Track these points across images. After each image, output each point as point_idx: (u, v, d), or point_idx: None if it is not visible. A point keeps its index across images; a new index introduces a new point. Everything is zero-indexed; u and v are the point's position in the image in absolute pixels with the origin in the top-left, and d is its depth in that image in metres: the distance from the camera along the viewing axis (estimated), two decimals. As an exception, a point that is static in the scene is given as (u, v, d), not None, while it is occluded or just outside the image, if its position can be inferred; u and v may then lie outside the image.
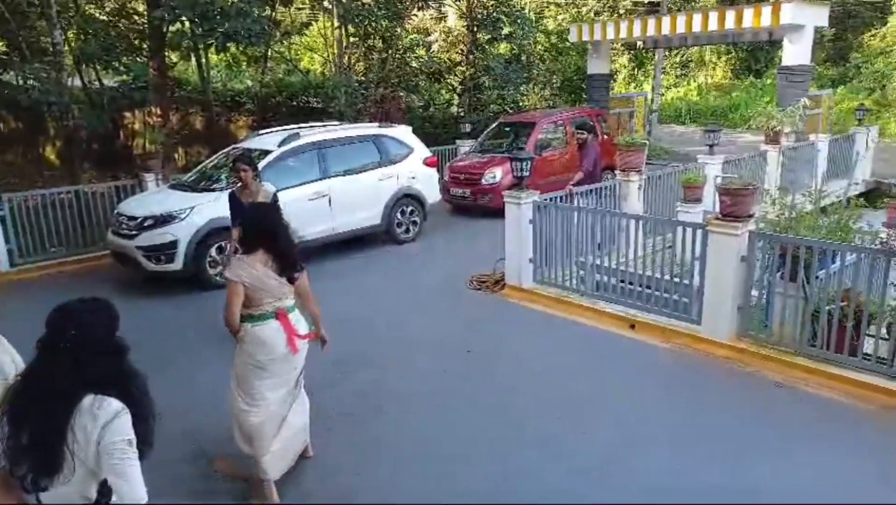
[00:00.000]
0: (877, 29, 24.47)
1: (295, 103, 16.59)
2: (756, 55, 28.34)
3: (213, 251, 7.88)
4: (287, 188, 8.28)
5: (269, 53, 16.68)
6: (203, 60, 13.34)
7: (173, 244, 7.66)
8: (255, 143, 9.20)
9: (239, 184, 5.90)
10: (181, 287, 7.81)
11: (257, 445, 3.76)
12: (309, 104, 16.34)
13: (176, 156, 14.65)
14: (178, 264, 7.71)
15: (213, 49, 12.80)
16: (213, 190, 8.29)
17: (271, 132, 9.52)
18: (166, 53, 13.44)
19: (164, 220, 7.77)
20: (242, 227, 3.92)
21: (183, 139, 15.59)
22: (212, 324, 6.95)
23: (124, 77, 13.45)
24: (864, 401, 4.76)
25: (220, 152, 9.65)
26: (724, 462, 4.10)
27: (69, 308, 2.09)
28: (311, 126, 9.68)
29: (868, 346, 5.14)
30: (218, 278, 7.88)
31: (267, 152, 8.53)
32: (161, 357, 5.92)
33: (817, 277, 5.36)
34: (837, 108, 18.89)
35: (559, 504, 3.64)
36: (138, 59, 13.70)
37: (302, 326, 3.85)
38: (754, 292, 5.78)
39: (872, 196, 12.48)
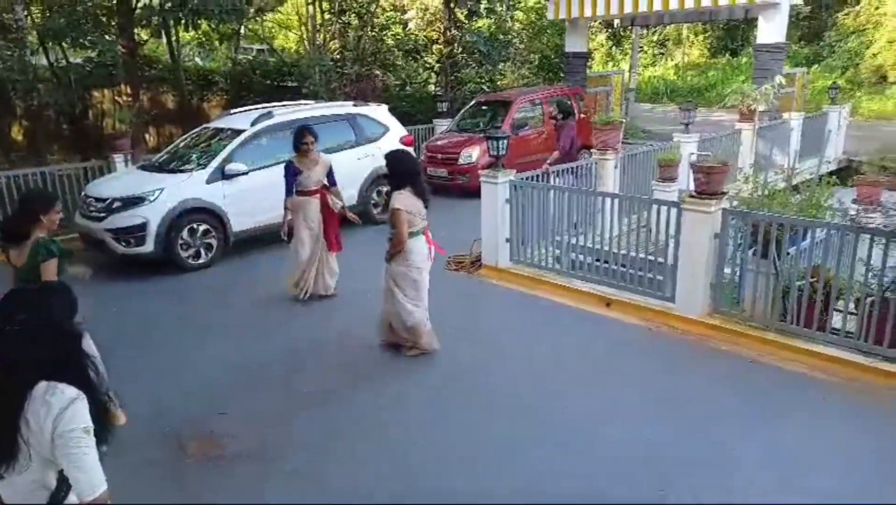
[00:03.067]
0: (850, 7, 24.64)
1: (269, 82, 16.31)
2: (732, 34, 28.43)
3: (185, 233, 7.74)
4: (260, 168, 8.20)
5: (242, 31, 16.35)
6: (174, 38, 13.03)
7: (143, 226, 7.50)
8: (227, 122, 9.04)
9: (296, 154, 6.42)
10: (154, 270, 7.67)
11: (420, 331, 5.18)
12: (283, 83, 16.08)
13: (147, 136, 14.34)
14: (148, 247, 7.57)
15: (183, 26, 12.49)
16: (185, 171, 8.14)
17: (244, 111, 9.34)
18: (135, 30, 13.10)
19: (133, 201, 7.61)
20: (393, 169, 5.13)
21: (154, 119, 15.27)
22: (185, 307, 6.90)
23: (90, 54, 13.07)
24: (832, 374, 4.85)
25: (191, 132, 9.47)
26: (698, 433, 4.17)
27: (18, 292, 2.01)
28: (285, 105, 9.51)
29: (837, 321, 5.22)
30: (190, 261, 7.78)
31: (239, 132, 8.39)
32: (133, 341, 5.84)
33: (788, 254, 5.41)
34: (812, 86, 19.06)
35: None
36: (106, 36, 13.34)
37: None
38: (727, 270, 5.84)
39: (844, 173, 12.63)
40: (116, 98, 13.81)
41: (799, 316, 5.25)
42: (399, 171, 5.07)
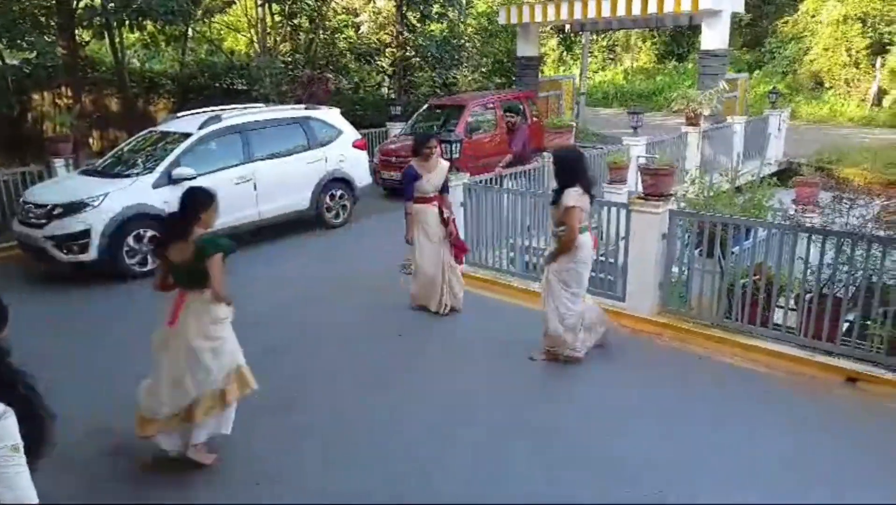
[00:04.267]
0: (789, 15, 25.65)
1: (218, 85, 15.99)
2: (678, 40, 29.29)
3: (130, 240, 7.51)
4: (209, 172, 8.03)
5: (190, 33, 15.99)
6: (117, 39, 12.64)
7: (86, 233, 7.24)
8: (174, 125, 8.83)
9: (417, 159, 6.15)
10: (98, 279, 7.41)
11: (571, 335, 5.04)
12: (233, 86, 15.79)
13: (90, 140, 13.86)
14: (92, 254, 7.31)
15: (127, 27, 12.14)
16: (130, 175, 7.90)
17: (191, 114, 9.14)
18: (77, 31, 12.66)
19: (75, 207, 7.33)
20: (562, 167, 4.92)
21: (97, 122, 14.76)
22: (130, 315, 6.69)
23: (26, 55, 12.57)
24: (775, 368, 5.02)
25: (136, 135, 9.21)
26: (649, 429, 4.26)
27: None
28: (234, 108, 9.35)
29: (778, 316, 5.41)
30: (136, 268, 7.55)
31: (187, 135, 8.19)
32: (73, 352, 5.64)
33: (733, 253, 5.58)
34: (753, 91, 19.77)
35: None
36: (45, 36, 12.85)
37: None
38: (675, 269, 5.99)
39: (784, 175, 13.14)
40: (57, 100, 13.32)
41: (743, 313, 5.43)
42: (568, 169, 4.91)
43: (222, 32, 19.96)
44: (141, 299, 7.12)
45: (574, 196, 4.76)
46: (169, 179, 7.79)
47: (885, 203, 5.44)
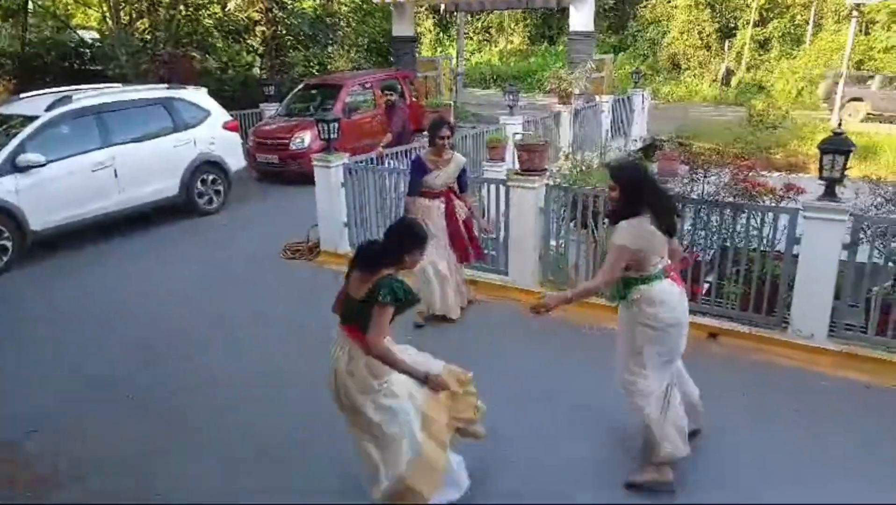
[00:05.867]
0: (648, 1, 27.28)
1: (68, 65, 14.59)
2: (549, 22, 30.30)
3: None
4: (60, 159, 7.35)
5: (31, 7, 14.44)
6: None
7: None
8: (17, 108, 8.00)
9: (429, 150, 5.39)
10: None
11: (659, 432, 3.41)
12: (85, 66, 14.47)
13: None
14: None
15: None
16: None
17: (37, 95, 8.29)
18: None
19: None
20: (626, 189, 3.38)
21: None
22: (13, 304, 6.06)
23: None
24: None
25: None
26: (536, 399, 4.40)
27: None
28: (87, 88, 8.56)
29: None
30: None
31: (32, 118, 7.42)
32: None
33: (604, 223, 5.86)
34: (618, 72, 20.87)
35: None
36: None
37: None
38: (553, 242, 6.21)
39: (648, 150, 14.00)
40: None
41: (616, 279, 5.72)
42: (633, 192, 3.36)
43: (70, 7, 18.22)
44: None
45: (629, 231, 3.30)
46: (13, 167, 7.03)
47: (735, 172, 5.89)
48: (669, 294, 3.40)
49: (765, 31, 25.17)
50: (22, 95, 8.66)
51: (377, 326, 2.94)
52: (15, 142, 7.15)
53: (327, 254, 7.33)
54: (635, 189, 3.36)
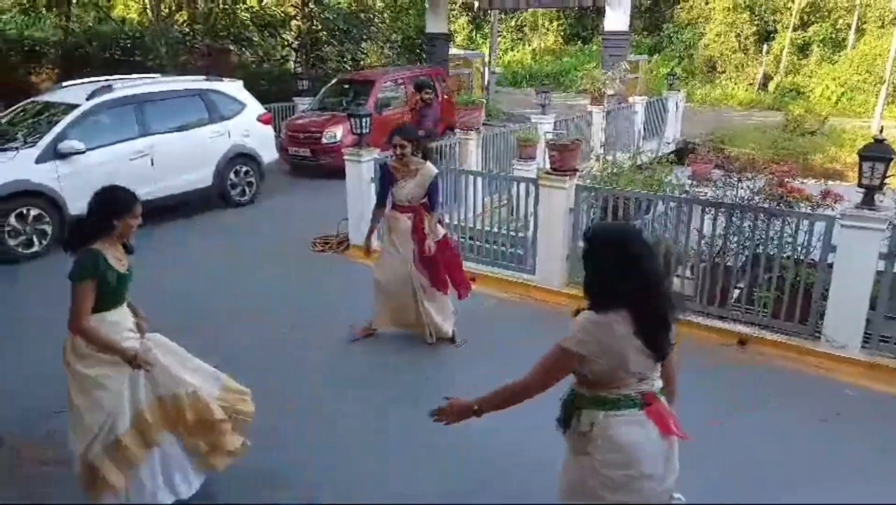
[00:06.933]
0: (686, 1, 26.90)
1: (108, 55, 14.92)
2: (583, 22, 30.05)
3: (13, 219, 6.92)
4: (99, 147, 7.53)
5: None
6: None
7: (-42, 212, 6.63)
8: (60, 96, 8.19)
9: (394, 157, 4.89)
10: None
11: None
12: (125, 57, 14.78)
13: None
14: (-34, 235, 6.70)
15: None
16: (9, 149, 7.25)
17: (79, 84, 8.49)
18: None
19: (-56, 183, 6.69)
20: (593, 261, 2.39)
21: (-31, 92, 13.44)
22: (16, 301, 6.19)
23: None
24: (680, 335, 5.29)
25: (15, 106, 8.46)
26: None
27: None
28: (127, 78, 8.75)
29: (677, 285, 5.71)
30: (21, 250, 6.99)
31: (74, 106, 7.61)
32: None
33: (634, 225, 5.82)
34: (653, 74, 20.62)
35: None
36: None
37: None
38: (581, 243, 6.18)
39: (681, 153, 13.83)
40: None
41: (644, 282, 5.67)
42: (607, 267, 2.31)
43: (111, -1, 18.66)
44: (28, 283, 6.62)
45: (583, 329, 2.29)
46: (55, 154, 7.22)
47: (770, 178, 5.80)
48: (638, 437, 2.26)
49: (805, 34, 24.64)
50: (64, 84, 8.87)
51: (75, 304, 2.91)
52: (57, 129, 7.34)
53: (356, 248, 7.38)
54: (611, 264, 2.28)
